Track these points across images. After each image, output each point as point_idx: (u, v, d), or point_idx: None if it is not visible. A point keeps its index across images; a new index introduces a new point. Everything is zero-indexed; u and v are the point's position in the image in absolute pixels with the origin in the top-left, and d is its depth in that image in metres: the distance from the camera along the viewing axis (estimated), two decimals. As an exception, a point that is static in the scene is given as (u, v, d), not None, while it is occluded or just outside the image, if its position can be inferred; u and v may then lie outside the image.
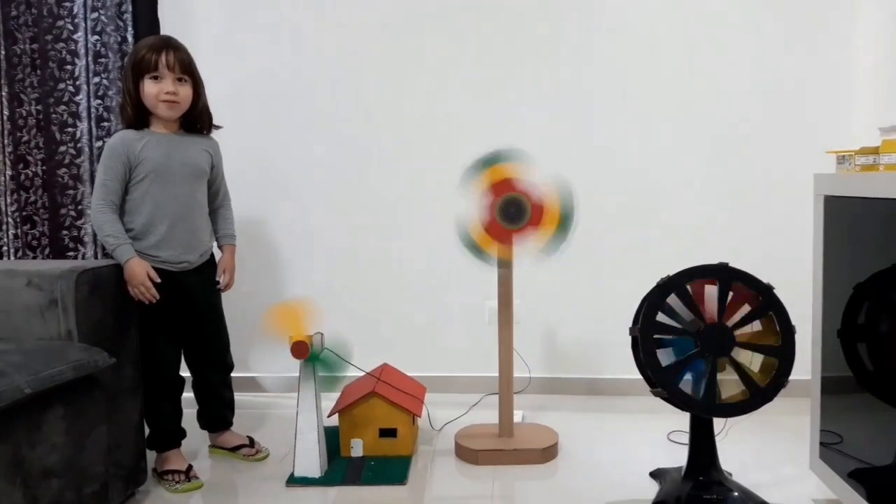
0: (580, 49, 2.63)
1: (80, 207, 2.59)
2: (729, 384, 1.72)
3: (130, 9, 2.58)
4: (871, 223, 1.52)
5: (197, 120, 2.07)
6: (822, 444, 1.74)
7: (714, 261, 1.75)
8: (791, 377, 1.69)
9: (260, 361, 2.79)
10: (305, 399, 1.99)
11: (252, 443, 2.22)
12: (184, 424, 2.11)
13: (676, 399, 1.72)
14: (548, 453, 2.13)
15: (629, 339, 1.85)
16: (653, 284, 1.76)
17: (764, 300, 1.71)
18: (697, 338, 1.70)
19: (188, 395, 2.14)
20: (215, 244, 2.18)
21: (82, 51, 2.56)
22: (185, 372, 2.13)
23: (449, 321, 2.75)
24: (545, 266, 2.25)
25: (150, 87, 1.95)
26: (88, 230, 2.59)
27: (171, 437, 2.07)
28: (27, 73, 2.59)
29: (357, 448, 2.13)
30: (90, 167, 2.56)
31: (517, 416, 2.33)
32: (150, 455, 2.00)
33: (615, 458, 2.14)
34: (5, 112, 2.55)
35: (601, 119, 2.64)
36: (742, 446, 2.15)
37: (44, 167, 2.60)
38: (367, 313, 2.74)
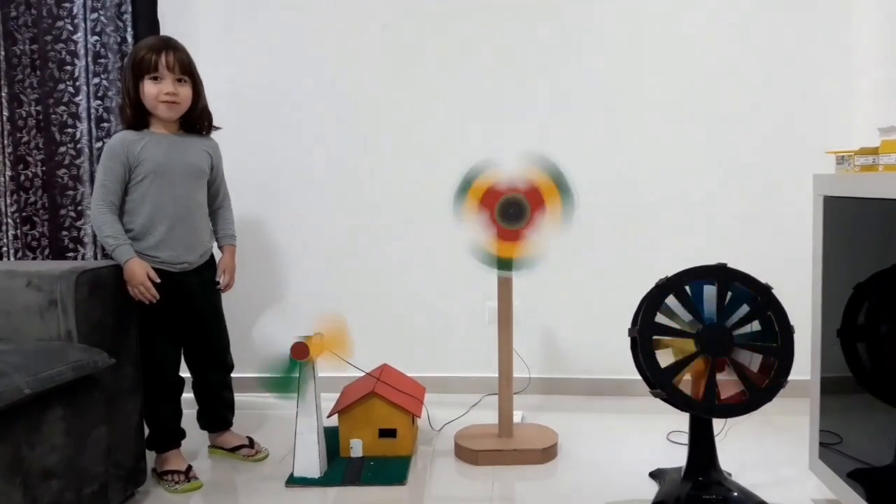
0: (580, 49, 2.63)
1: (79, 208, 2.59)
2: (728, 384, 1.73)
3: (130, 9, 2.58)
4: (870, 223, 1.52)
5: (196, 120, 2.07)
6: (821, 444, 1.74)
7: (713, 261, 1.76)
8: (790, 377, 1.69)
9: (259, 361, 2.78)
10: (305, 400, 2.00)
11: (252, 443, 2.22)
12: (183, 425, 2.11)
13: (676, 399, 1.72)
14: (547, 454, 2.13)
15: (628, 339, 1.86)
16: (652, 285, 1.77)
17: (762, 300, 1.71)
18: (696, 338, 1.71)
19: (188, 395, 2.14)
20: (215, 245, 2.18)
21: (82, 51, 2.56)
22: (185, 372, 2.13)
23: (449, 321, 2.75)
24: (544, 266, 2.25)
25: (149, 88, 1.95)
26: (88, 231, 2.59)
27: (171, 437, 2.07)
28: (27, 74, 2.59)
29: (356, 448, 2.13)
30: (90, 168, 2.56)
31: (517, 417, 2.33)
32: (150, 455, 2.00)
33: (615, 458, 2.14)
34: (5, 113, 2.56)
35: (600, 119, 2.64)
36: (741, 446, 2.15)
37: (43, 168, 2.60)
38: (367, 314, 2.74)
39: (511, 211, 2.08)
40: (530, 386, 2.70)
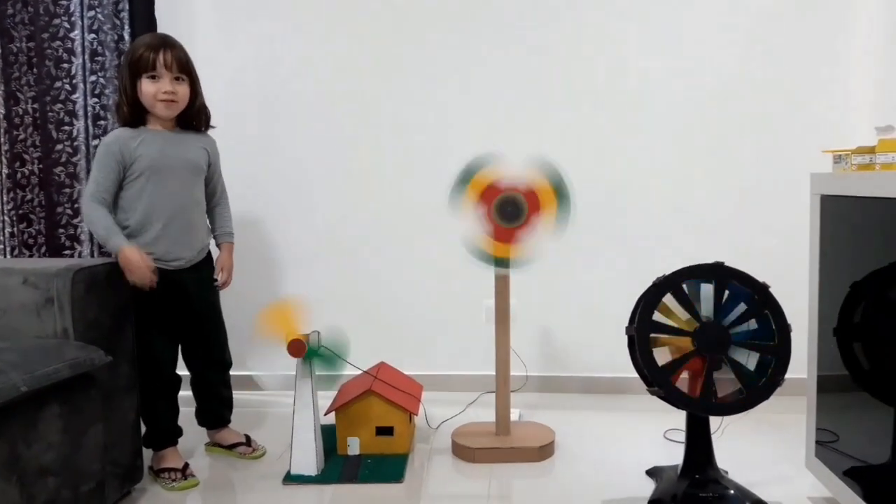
0: (579, 49, 2.63)
1: (76, 206, 2.58)
2: (725, 383, 1.73)
3: (127, 7, 2.57)
4: (867, 222, 1.52)
5: (194, 117, 2.07)
6: (818, 442, 1.75)
7: (710, 260, 1.76)
8: (787, 375, 1.69)
9: (258, 360, 2.79)
10: (302, 397, 2.00)
11: (249, 441, 2.22)
12: (180, 422, 2.11)
13: (673, 397, 1.72)
14: (544, 451, 2.13)
15: (626, 337, 1.86)
16: (649, 283, 1.77)
17: (760, 299, 1.71)
18: (693, 336, 1.71)
19: (185, 393, 2.14)
20: (213, 242, 2.18)
21: (79, 49, 2.55)
22: (182, 370, 2.13)
23: (446, 320, 2.75)
24: (542, 264, 2.25)
25: (147, 87, 1.95)
26: (85, 229, 2.58)
27: (168, 435, 2.06)
28: (23, 72, 2.58)
29: (354, 446, 2.13)
30: (87, 165, 2.56)
31: (514, 415, 2.33)
32: (147, 453, 2.00)
33: (612, 456, 2.14)
34: (1, 110, 2.55)
35: (599, 119, 2.64)
36: (738, 445, 2.15)
37: (40, 165, 2.59)
38: (364, 312, 2.74)
39: (509, 209, 2.07)
40: (527, 384, 2.70)
